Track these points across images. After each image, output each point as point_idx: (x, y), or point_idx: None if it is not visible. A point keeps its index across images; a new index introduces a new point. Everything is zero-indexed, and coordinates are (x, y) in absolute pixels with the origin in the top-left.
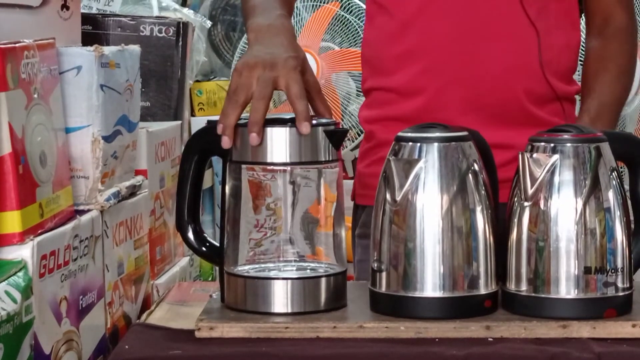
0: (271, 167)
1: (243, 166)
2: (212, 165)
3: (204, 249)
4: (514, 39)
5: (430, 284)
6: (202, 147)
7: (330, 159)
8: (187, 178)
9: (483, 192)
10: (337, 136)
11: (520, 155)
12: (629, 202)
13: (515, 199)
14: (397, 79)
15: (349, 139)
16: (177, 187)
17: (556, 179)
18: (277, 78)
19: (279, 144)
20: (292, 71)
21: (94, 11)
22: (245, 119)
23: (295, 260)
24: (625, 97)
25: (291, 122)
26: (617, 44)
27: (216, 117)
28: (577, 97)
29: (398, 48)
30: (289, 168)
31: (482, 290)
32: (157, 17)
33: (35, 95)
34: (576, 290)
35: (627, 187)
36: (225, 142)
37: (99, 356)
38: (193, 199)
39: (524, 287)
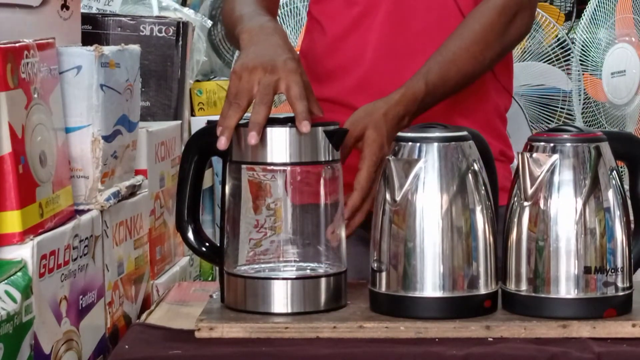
0: (271, 167)
1: (243, 166)
2: (212, 165)
3: (203, 249)
4: None
5: (430, 284)
6: (202, 147)
7: (330, 159)
8: (187, 178)
9: (483, 192)
10: (337, 136)
11: (520, 155)
12: (629, 202)
13: (515, 198)
14: (329, 92)
15: None
16: (177, 187)
17: (556, 178)
18: (277, 81)
19: (279, 144)
20: (292, 73)
21: (94, 11)
22: (245, 119)
23: (295, 260)
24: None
25: (291, 123)
26: (479, 9)
27: (216, 117)
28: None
29: (330, 63)
30: (289, 168)
31: (482, 290)
32: (157, 17)
33: (35, 95)
34: (576, 290)
35: (627, 187)
36: (222, 143)
37: (99, 356)
38: (193, 199)
39: (523, 287)
